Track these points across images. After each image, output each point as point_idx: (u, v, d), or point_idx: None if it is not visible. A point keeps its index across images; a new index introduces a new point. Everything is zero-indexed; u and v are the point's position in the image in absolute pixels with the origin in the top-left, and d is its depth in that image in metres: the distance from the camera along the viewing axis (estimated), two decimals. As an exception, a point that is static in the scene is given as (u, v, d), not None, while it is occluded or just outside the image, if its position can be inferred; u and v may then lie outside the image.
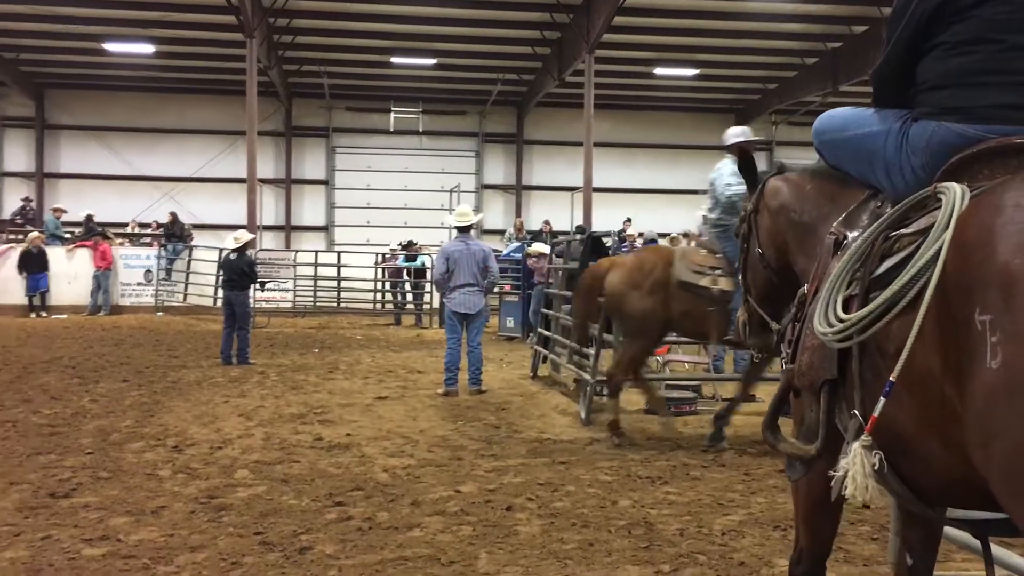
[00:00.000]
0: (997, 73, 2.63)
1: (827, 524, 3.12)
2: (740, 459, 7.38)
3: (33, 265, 21.80)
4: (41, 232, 23.13)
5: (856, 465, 2.48)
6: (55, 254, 22.38)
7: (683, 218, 28.37)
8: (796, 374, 2.98)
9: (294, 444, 7.78)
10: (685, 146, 32.51)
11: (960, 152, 2.63)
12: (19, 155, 30.90)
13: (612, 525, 5.48)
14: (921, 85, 2.84)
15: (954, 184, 2.46)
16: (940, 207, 2.42)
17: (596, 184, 24.51)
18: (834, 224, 3.10)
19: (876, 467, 2.45)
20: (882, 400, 2.39)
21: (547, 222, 25.80)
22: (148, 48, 26.71)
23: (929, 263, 2.32)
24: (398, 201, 31.28)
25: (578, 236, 12.32)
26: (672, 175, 32.16)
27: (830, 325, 2.61)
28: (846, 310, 2.62)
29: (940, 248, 2.30)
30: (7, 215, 27.87)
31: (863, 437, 2.47)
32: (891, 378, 2.35)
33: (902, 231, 2.61)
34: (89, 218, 24.32)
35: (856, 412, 2.62)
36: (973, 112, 2.64)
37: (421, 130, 32.00)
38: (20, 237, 23.98)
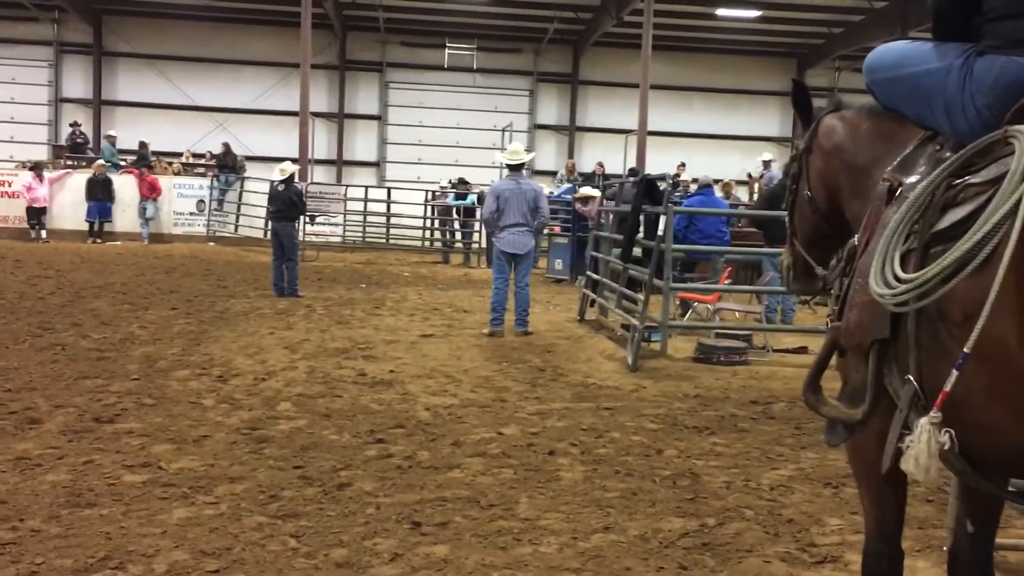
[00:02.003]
0: None
1: (891, 492, 2.80)
2: (791, 411, 7.18)
3: (99, 192, 22.06)
4: (100, 160, 23.34)
5: (921, 444, 2.27)
6: (116, 182, 22.64)
7: (739, 164, 27.86)
8: (843, 332, 2.74)
9: (337, 379, 7.75)
10: (744, 91, 31.73)
11: None
12: (77, 82, 31.10)
13: (656, 475, 5.36)
14: (988, 14, 2.54)
15: None
16: (1013, 153, 2.18)
17: (651, 128, 24.04)
18: (887, 169, 2.84)
19: (947, 447, 2.25)
20: (954, 374, 2.18)
21: (600, 164, 25.39)
22: (205, -24, 26.56)
23: (1005, 217, 2.10)
24: (450, 139, 31.03)
25: (631, 179, 12.05)
26: (729, 121, 31.46)
27: (888, 286, 2.37)
28: (904, 267, 2.40)
29: (1019, 200, 2.08)
30: (64, 141, 28.15)
31: (932, 413, 2.26)
32: (965, 349, 2.14)
33: (968, 179, 2.37)
34: (142, 145, 24.48)
35: (911, 377, 2.42)
36: None
37: (475, 67, 31.58)
38: (74, 163, 24.24)
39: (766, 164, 22.10)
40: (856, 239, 2.92)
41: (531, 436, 6.14)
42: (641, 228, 10.46)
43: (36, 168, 22.43)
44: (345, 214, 22.58)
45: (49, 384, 7.00)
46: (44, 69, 30.83)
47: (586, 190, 16.68)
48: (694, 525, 4.56)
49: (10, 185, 22.53)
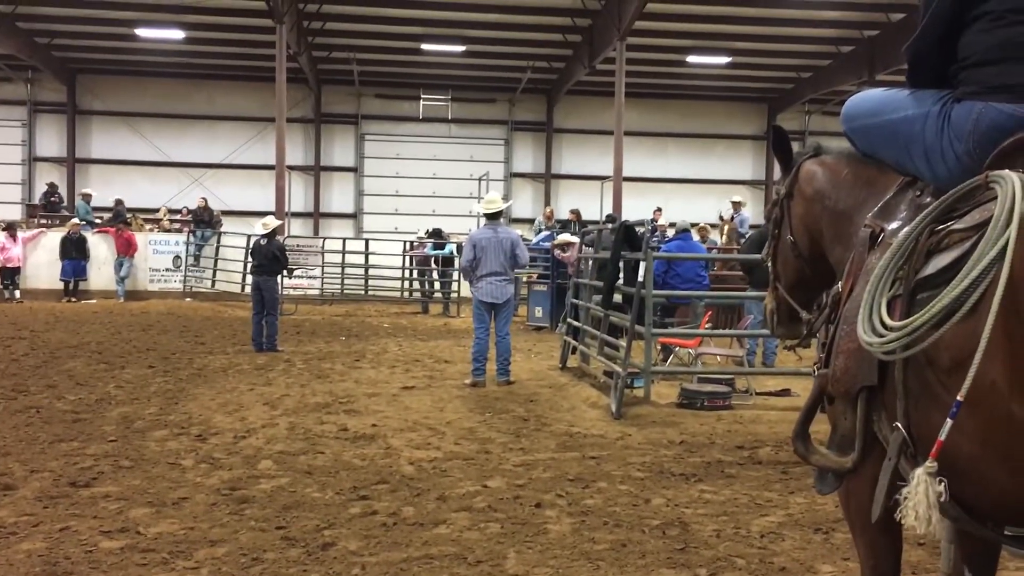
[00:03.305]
0: None
1: (886, 540, 2.78)
2: (777, 456, 7.14)
3: (73, 251, 21.93)
4: (75, 219, 23.22)
5: (919, 494, 2.24)
6: (90, 240, 22.52)
7: (714, 208, 28.08)
8: (830, 379, 2.72)
9: (319, 434, 7.64)
10: (717, 135, 32.17)
11: (1012, 135, 2.39)
12: (51, 140, 31.03)
13: (645, 525, 5.28)
14: (963, 61, 2.57)
15: (1009, 172, 2.22)
16: (995, 198, 2.18)
17: (626, 174, 24.22)
18: (869, 215, 2.84)
19: (942, 497, 2.22)
20: (948, 422, 2.16)
21: (574, 211, 25.49)
22: (178, 34, 26.69)
23: (993, 263, 2.09)
24: (426, 189, 31.14)
25: (609, 225, 12.09)
26: (704, 165, 31.84)
27: (876, 334, 2.35)
28: (890, 314, 2.38)
29: (1005, 246, 2.07)
30: (38, 200, 28.00)
31: (928, 463, 2.23)
32: (958, 397, 2.12)
33: (951, 225, 2.36)
34: (118, 202, 24.41)
35: (899, 424, 2.40)
36: None
37: (450, 118, 31.79)
38: (48, 222, 24.10)
39: (736, 206, 22.22)
40: (840, 285, 2.92)
41: (517, 488, 6.05)
42: (621, 274, 10.47)
43: (9, 228, 22.26)
44: (323, 266, 22.53)
45: (24, 448, 6.86)
46: (18, 128, 30.79)
47: (564, 236, 16.72)
48: (686, 576, 4.49)
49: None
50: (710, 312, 12.16)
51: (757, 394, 10.04)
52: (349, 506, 5.57)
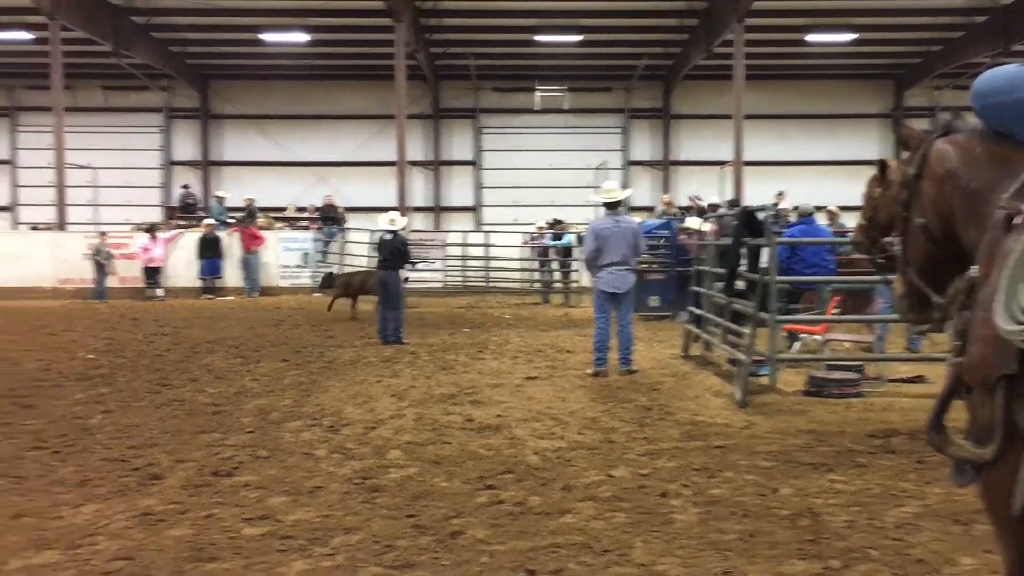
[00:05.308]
0: None
1: None
2: (912, 445, 6.90)
3: (209, 251, 22.96)
4: (210, 219, 24.29)
5: None
6: (224, 240, 23.52)
7: (840, 190, 27.25)
8: (966, 368, 2.62)
9: (445, 425, 7.79)
10: (842, 115, 31.22)
11: None
12: (186, 144, 32.54)
13: (774, 515, 5.20)
14: None
15: None
16: None
17: (747, 157, 23.78)
18: (1005, 196, 2.72)
19: None
20: None
21: (694, 197, 25.10)
22: (303, 37, 27.55)
23: None
24: (544, 180, 31.26)
25: (731, 211, 11.89)
26: (828, 146, 30.95)
27: (1017, 322, 2.26)
28: None
29: None
30: (175, 203, 29.40)
31: None
32: None
33: None
34: (249, 202, 25.37)
35: None
36: None
37: (566, 108, 31.80)
38: (185, 223, 25.27)
39: (779, 197, 21.16)
40: (975, 269, 2.81)
41: (642, 478, 6.05)
42: (743, 260, 10.29)
43: (151, 230, 23.47)
44: (445, 259, 22.90)
45: (169, 439, 7.23)
46: (155, 135, 32.36)
47: (692, 221, 16.50)
48: (817, 568, 4.40)
49: (127, 247, 23.57)
50: (837, 298, 11.82)
51: (889, 381, 9.72)
52: (476, 495, 5.67)
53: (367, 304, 16.81)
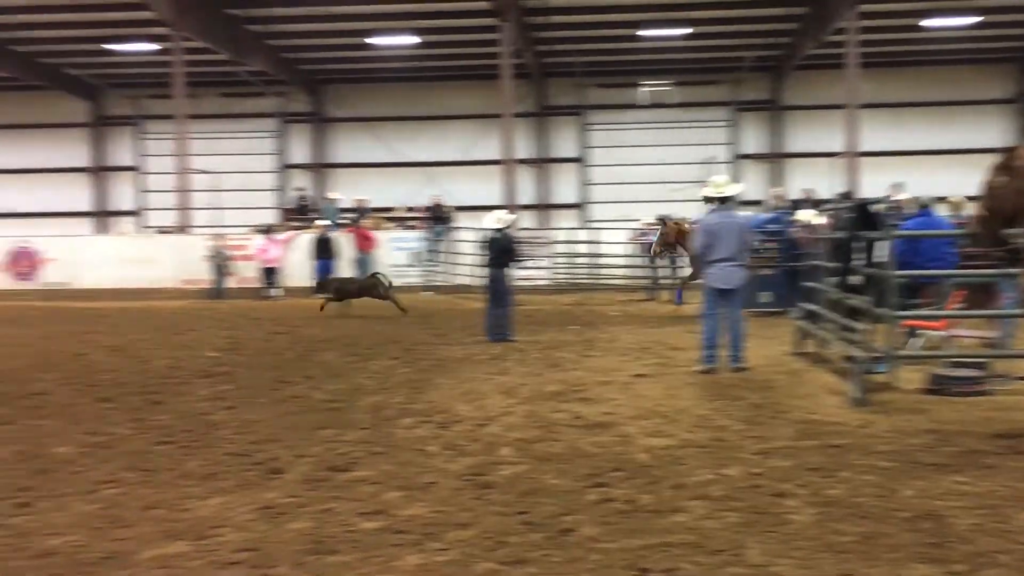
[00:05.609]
0: None
1: None
2: (1042, 446, 6.62)
3: (322, 251, 23.58)
4: (323, 220, 24.94)
5: None
6: (337, 240, 24.13)
7: (960, 180, 26.18)
8: None
9: (554, 422, 7.83)
10: (961, 102, 29.98)
11: None
12: (300, 148, 33.52)
13: (894, 517, 5.06)
14: None
15: None
16: None
17: (862, 148, 23.09)
18: None
19: None
20: None
21: (807, 190, 24.54)
22: (411, 39, 28.04)
23: None
24: (651, 175, 31.02)
25: (846, 203, 11.56)
26: (947, 135, 29.79)
27: None
28: None
29: None
30: (290, 205, 30.32)
31: None
32: None
33: None
34: (360, 203, 25.94)
35: None
36: None
37: (672, 102, 31.48)
38: (300, 225, 26.02)
39: (896, 189, 20.09)
40: None
41: (754, 477, 5.96)
42: (859, 254, 10.00)
43: (268, 231, 24.23)
44: (552, 257, 22.96)
45: (288, 435, 7.47)
46: (271, 139, 33.43)
47: (806, 214, 16.14)
48: (940, 572, 4.27)
49: (246, 248, 24.40)
50: (960, 292, 11.36)
51: (1017, 379, 9.30)
52: (586, 493, 5.69)
53: (475, 302, 16.97)
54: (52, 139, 34.28)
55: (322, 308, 17.94)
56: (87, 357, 12.17)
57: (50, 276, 25.50)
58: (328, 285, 18.82)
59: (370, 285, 18.42)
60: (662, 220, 22.86)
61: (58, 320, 17.50)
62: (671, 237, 18.33)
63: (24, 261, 25.88)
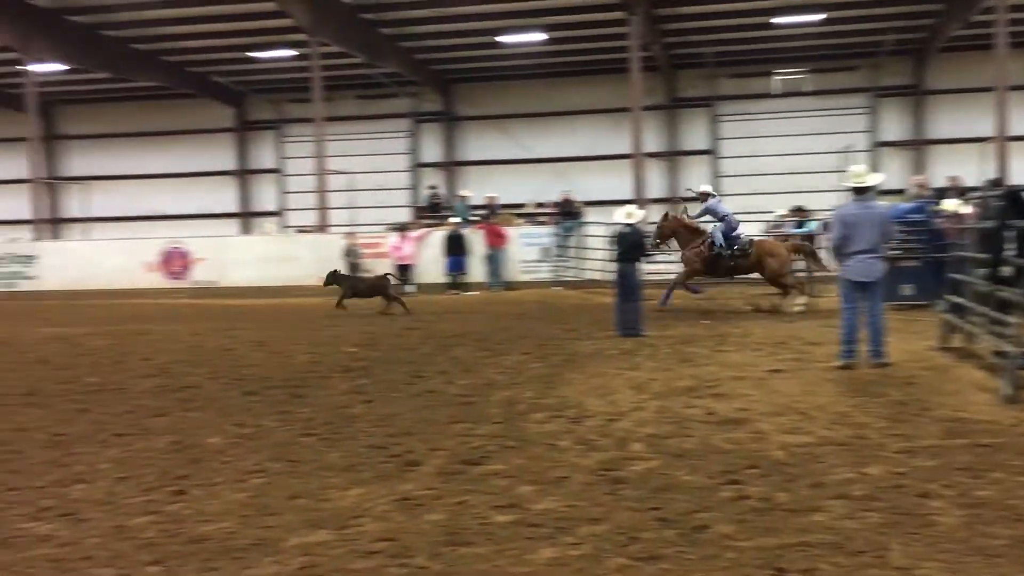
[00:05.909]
0: None
1: None
2: None
3: (454, 248, 24.01)
4: (455, 217, 25.36)
5: None
6: (469, 237, 24.49)
7: None
8: None
9: (686, 418, 7.76)
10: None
11: None
12: (432, 147, 34.18)
13: (1050, 521, 4.82)
14: None
15: None
16: None
17: (1012, 132, 21.89)
18: None
19: None
20: None
21: (952, 178, 23.39)
22: (540, 36, 28.19)
23: None
24: (785, 166, 30.26)
25: (993, 191, 11.00)
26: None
27: None
28: None
29: None
30: (422, 203, 30.92)
31: None
32: None
33: None
34: (491, 199, 26.22)
35: None
36: None
37: (808, 90, 30.58)
38: (432, 222, 26.51)
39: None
40: None
41: (898, 476, 5.76)
42: (1010, 245, 9.50)
43: (402, 229, 24.79)
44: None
45: (423, 428, 7.65)
46: (403, 139, 34.19)
47: (951, 203, 15.46)
48: (1102, 580, 4.04)
49: (380, 246, 25.01)
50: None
51: None
52: (720, 490, 5.62)
53: (605, 297, 16.93)
54: (200, 144, 36.05)
55: (338, 305, 18.22)
56: (234, 352, 12.73)
57: (199, 275, 26.76)
58: (338, 280, 19.03)
59: (380, 285, 18.65)
60: (797, 209, 22.33)
61: (207, 317, 18.35)
62: (669, 230, 17.90)
63: (176, 261, 27.23)
